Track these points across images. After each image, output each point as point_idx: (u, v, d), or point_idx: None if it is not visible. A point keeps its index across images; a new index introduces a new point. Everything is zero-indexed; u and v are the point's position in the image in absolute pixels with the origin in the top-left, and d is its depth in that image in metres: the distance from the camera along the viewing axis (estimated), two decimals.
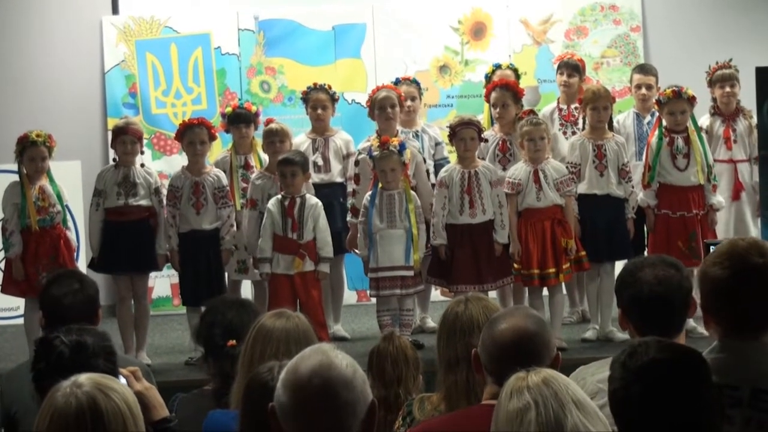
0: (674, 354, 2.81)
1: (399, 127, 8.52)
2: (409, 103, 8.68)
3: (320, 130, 8.75)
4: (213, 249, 8.30)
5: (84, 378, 2.93)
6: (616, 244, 8.26)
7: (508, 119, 8.41)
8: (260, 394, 3.25)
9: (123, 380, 3.56)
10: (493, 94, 8.42)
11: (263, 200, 8.25)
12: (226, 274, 8.49)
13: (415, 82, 9.04)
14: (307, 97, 8.76)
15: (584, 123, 8.47)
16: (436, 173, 8.46)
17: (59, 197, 8.34)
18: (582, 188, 8.25)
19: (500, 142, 8.45)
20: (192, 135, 8.31)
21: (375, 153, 7.98)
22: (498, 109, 8.40)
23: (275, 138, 8.36)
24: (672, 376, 2.78)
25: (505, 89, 8.42)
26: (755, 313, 3.19)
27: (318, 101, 8.70)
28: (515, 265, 8.09)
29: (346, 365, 2.80)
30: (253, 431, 3.34)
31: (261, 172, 8.42)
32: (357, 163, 8.46)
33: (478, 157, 8.30)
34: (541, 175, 8.04)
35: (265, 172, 8.40)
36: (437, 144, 8.87)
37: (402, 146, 7.99)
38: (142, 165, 8.41)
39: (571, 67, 9.00)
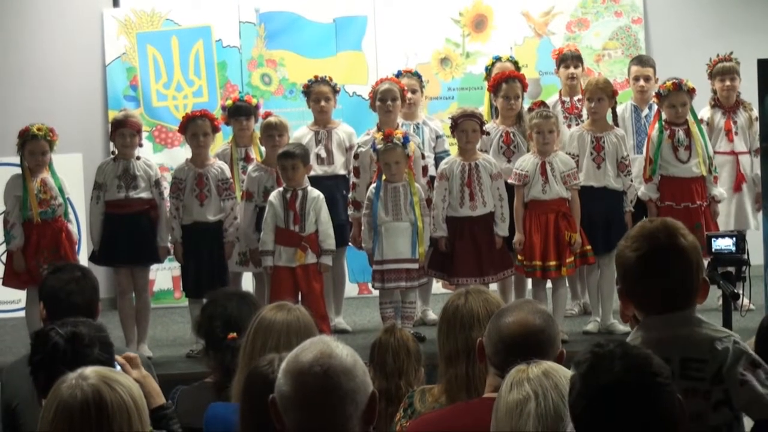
0: (638, 375, 2.77)
1: (400, 120, 8.52)
2: (409, 95, 8.66)
3: (323, 122, 8.76)
4: (216, 241, 8.30)
5: (90, 371, 2.93)
6: (612, 236, 8.23)
7: (517, 110, 8.41)
8: (260, 387, 3.25)
9: (118, 367, 3.57)
10: (505, 86, 8.38)
11: (259, 193, 8.28)
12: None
13: (416, 75, 9.02)
14: (309, 90, 8.76)
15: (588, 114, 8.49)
16: (437, 166, 8.45)
17: (60, 190, 8.34)
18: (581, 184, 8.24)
19: (503, 135, 8.43)
20: (195, 127, 8.31)
21: (379, 146, 7.98)
22: (511, 101, 8.38)
23: (274, 131, 8.36)
24: (634, 402, 2.73)
25: (515, 81, 8.42)
26: (666, 292, 3.19)
27: (320, 94, 8.70)
28: (518, 257, 8.08)
29: (347, 355, 2.81)
30: (253, 424, 3.33)
31: (258, 164, 8.42)
32: (357, 156, 8.46)
33: (481, 150, 8.29)
34: (548, 168, 8.03)
35: (262, 164, 8.40)
36: (438, 137, 8.85)
37: (406, 139, 7.99)
38: (138, 158, 8.40)
39: (577, 59, 8.99)
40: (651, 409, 2.72)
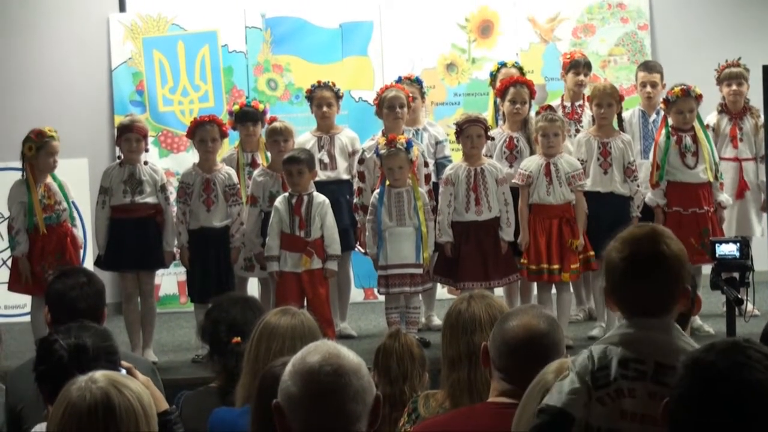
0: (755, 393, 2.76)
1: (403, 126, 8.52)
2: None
3: (325, 127, 8.76)
4: (222, 246, 8.30)
5: (100, 374, 2.95)
6: None
7: (524, 115, 8.42)
8: (274, 389, 3.24)
9: (123, 372, 3.57)
10: (513, 90, 8.40)
11: (264, 198, 8.27)
12: None
13: (416, 81, 9.02)
14: (311, 96, 8.76)
15: (593, 120, 8.48)
16: (438, 172, 8.46)
17: (65, 194, 8.34)
18: (586, 185, 8.24)
19: (507, 140, 8.44)
20: (203, 132, 8.31)
21: (382, 151, 7.99)
22: (518, 104, 8.40)
23: (279, 137, 8.37)
24: (745, 413, 2.73)
25: (524, 86, 8.43)
26: (645, 296, 3.20)
27: (323, 99, 8.70)
28: (522, 260, 8.08)
29: (352, 356, 2.83)
30: (266, 426, 3.33)
31: (263, 169, 8.41)
32: (362, 161, 8.47)
33: (486, 155, 8.30)
34: (553, 169, 8.03)
35: (267, 169, 8.40)
36: (438, 142, 8.83)
37: (409, 144, 7.99)
38: (146, 162, 8.41)
39: (587, 66, 9.00)
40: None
